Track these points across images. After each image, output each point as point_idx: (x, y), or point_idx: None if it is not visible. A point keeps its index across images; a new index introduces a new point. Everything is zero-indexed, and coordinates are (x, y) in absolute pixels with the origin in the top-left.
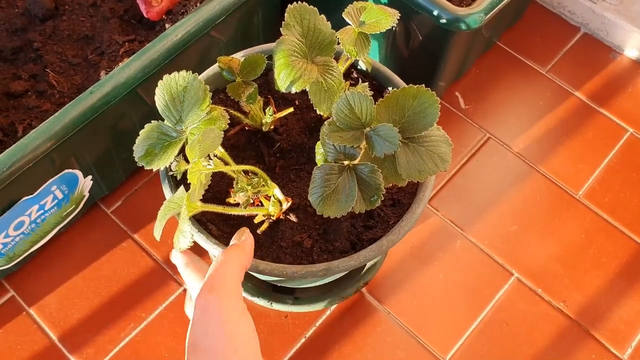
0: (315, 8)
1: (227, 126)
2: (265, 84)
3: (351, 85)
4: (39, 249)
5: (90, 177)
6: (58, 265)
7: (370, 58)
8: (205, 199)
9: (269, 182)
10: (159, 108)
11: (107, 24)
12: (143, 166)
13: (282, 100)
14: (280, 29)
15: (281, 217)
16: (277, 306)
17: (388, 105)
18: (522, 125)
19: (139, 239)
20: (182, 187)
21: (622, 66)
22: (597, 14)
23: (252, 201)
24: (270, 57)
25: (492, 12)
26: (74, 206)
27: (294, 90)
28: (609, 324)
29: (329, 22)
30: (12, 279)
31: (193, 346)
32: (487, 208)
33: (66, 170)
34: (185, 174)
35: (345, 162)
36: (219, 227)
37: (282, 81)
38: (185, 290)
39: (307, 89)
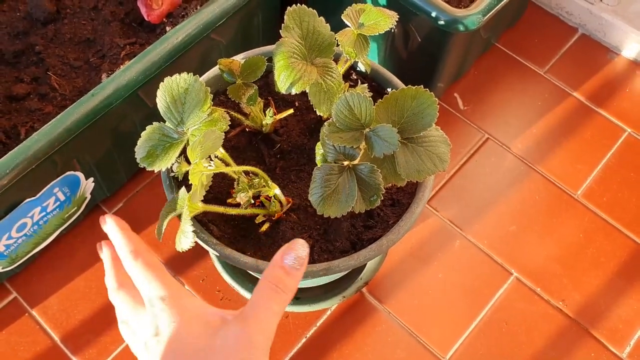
0: (315, 10)
1: (228, 127)
2: (265, 86)
3: (350, 86)
4: (41, 251)
5: (91, 179)
6: (60, 267)
7: (369, 60)
8: (206, 200)
9: (270, 182)
10: (160, 110)
11: (108, 27)
12: (144, 168)
13: (282, 101)
14: (280, 31)
15: (282, 217)
16: None
17: (387, 106)
18: (521, 125)
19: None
20: (183, 188)
21: (619, 67)
22: (594, 15)
23: (253, 202)
24: (270, 59)
25: (490, 14)
26: (75, 208)
27: (294, 91)
28: (608, 323)
29: (328, 24)
30: (15, 280)
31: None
32: (486, 208)
33: (68, 172)
34: (186, 175)
35: (345, 163)
36: (220, 227)
37: (282, 83)
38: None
39: (307, 90)
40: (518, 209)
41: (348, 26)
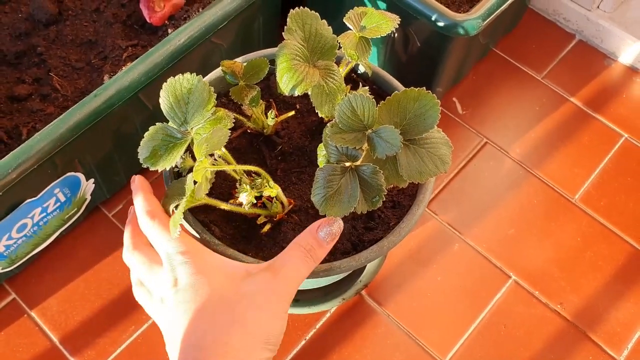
0: (317, 13)
1: (232, 125)
2: (267, 88)
3: (352, 88)
4: (41, 252)
5: (92, 180)
6: (60, 268)
7: (370, 63)
8: None
9: (272, 183)
10: (163, 110)
11: (110, 29)
12: (147, 169)
13: (284, 104)
14: (283, 33)
15: (283, 218)
16: None
17: (389, 107)
18: (519, 130)
19: None
20: (190, 174)
21: (616, 72)
22: (591, 22)
23: (255, 202)
24: (271, 62)
25: (489, 18)
26: (75, 209)
27: (296, 93)
28: (606, 326)
29: (330, 27)
30: (14, 281)
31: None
32: (485, 212)
33: (69, 173)
34: (189, 171)
35: (348, 164)
36: (221, 228)
37: (285, 84)
38: None
39: (309, 92)
40: (516, 213)
41: (350, 29)
